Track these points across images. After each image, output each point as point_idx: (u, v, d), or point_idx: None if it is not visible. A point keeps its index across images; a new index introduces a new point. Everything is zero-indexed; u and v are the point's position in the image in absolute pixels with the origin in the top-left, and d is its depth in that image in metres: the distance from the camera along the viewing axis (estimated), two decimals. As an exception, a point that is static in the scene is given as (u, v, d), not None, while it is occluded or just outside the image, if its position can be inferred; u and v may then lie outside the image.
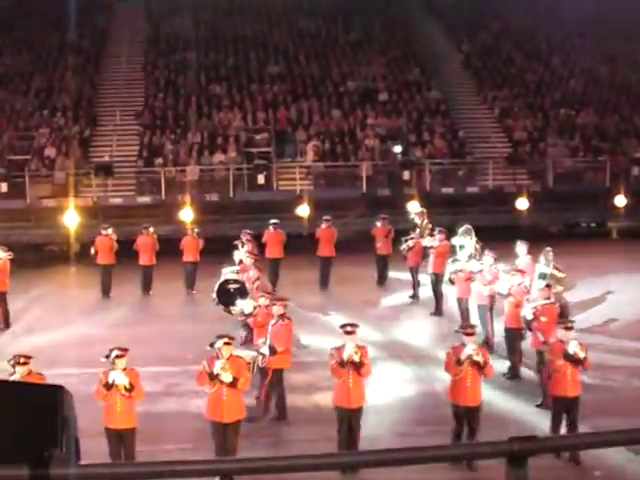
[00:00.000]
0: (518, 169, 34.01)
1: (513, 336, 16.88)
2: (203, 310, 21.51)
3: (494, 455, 3.46)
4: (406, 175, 32.83)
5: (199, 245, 24.77)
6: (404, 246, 23.36)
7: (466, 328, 13.54)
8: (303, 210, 29.80)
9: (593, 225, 34.48)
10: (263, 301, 16.15)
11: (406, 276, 24.09)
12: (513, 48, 42.39)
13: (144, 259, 24.46)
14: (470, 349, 12.82)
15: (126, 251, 24.68)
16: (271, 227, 24.90)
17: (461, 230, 22.28)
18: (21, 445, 3.38)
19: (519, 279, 17.08)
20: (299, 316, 21.28)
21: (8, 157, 32.40)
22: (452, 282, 20.09)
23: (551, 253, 19.86)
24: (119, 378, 11.87)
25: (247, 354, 14.18)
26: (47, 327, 20.51)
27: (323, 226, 25.13)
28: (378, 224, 25.10)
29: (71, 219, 28.59)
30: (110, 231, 24.37)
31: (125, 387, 11.87)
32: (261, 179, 32.18)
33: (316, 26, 42.97)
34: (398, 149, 34.04)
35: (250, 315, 16.39)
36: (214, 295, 19.66)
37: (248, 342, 16.79)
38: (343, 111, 36.08)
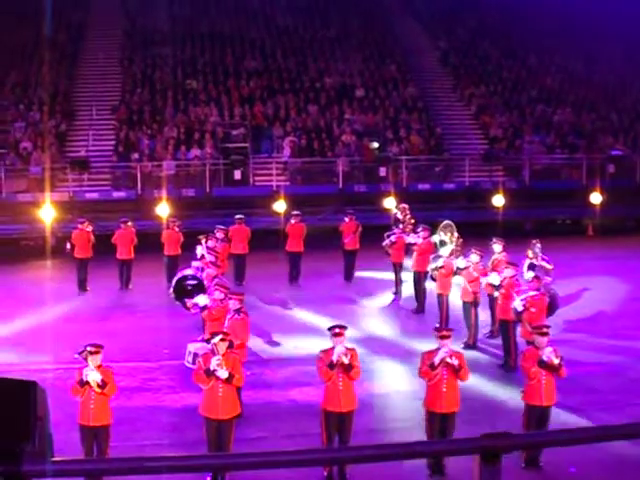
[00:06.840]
0: (494, 166, 34.15)
1: (505, 327, 17.02)
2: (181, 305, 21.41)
3: (466, 452, 3.47)
4: (383, 171, 32.91)
5: (180, 238, 24.53)
6: (387, 242, 23.13)
7: (441, 331, 12.82)
8: (279, 206, 29.77)
9: (568, 222, 34.64)
10: (218, 295, 16.02)
11: (383, 273, 24.17)
12: (490, 45, 42.56)
13: (122, 253, 24.30)
14: (444, 352, 12.19)
15: (102, 246, 24.58)
16: (236, 222, 24.96)
17: (441, 226, 22.29)
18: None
19: (512, 272, 17.15)
20: (269, 312, 21.35)
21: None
22: (433, 279, 20.00)
23: (539, 245, 20.22)
24: (92, 375, 11.67)
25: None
26: (23, 322, 20.37)
27: (292, 221, 25.04)
28: (346, 219, 25.02)
29: (47, 214, 28.44)
30: (86, 224, 24.22)
31: (98, 384, 11.67)
32: (237, 174, 32.14)
33: (293, 22, 42.93)
34: (375, 145, 34.09)
35: (204, 309, 16.26)
36: (171, 291, 19.63)
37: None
38: (320, 107, 36.06)
